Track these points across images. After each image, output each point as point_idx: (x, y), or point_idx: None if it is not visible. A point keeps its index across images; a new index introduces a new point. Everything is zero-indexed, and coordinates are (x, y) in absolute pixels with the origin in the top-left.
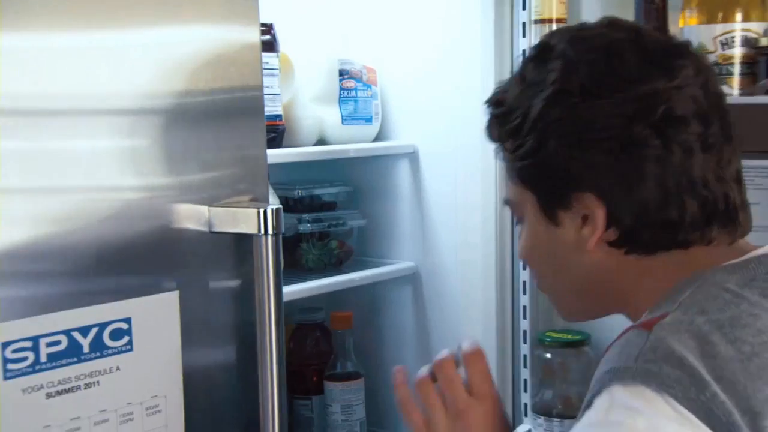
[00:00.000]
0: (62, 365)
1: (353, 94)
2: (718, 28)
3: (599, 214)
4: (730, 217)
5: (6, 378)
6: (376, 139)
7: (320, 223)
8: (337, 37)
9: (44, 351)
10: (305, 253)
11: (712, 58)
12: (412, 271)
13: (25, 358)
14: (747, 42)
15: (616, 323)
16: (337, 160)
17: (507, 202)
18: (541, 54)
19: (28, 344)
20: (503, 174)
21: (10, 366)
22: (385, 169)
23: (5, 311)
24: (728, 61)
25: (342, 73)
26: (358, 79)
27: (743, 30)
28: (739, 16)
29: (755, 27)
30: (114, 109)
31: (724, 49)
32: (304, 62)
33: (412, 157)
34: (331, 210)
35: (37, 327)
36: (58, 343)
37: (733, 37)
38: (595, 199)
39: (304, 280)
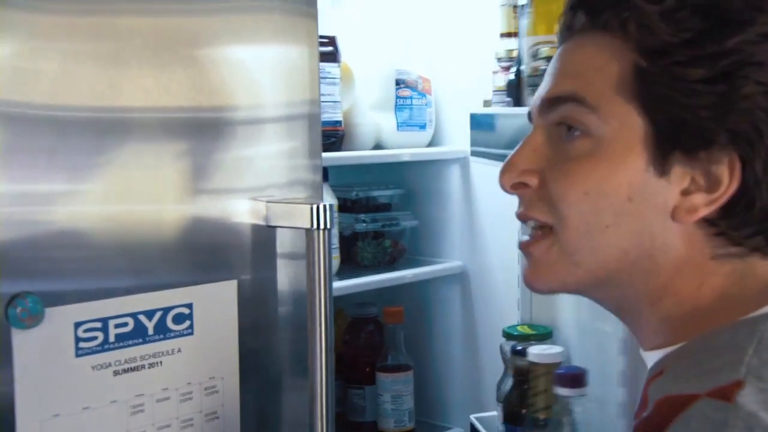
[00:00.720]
0: (129, 345)
1: (409, 102)
2: (531, 39)
3: (732, 185)
4: None
5: (78, 355)
6: (430, 144)
7: (375, 223)
8: (394, 49)
9: (113, 332)
10: (361, 250)
11: (527, 70)
12: (460, 270)
13: (95, 338)
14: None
15: (578, 320)
16: (393, 163)
17: (561, 99)
18: None
19: (98, 325)
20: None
21: (82, 344)
22: (438, 173)
23: (79, 295)
24: (536, 72)
25: (398, 83)
26: (414, 88)
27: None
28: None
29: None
30: (183, 118)
31: (534, 61)
32: (363, 72)
33: (463, 162)
34: (386, 211)
35: (106, 309)
36: (125, 324)
37: (540, 48)
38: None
39: (359, 275)
